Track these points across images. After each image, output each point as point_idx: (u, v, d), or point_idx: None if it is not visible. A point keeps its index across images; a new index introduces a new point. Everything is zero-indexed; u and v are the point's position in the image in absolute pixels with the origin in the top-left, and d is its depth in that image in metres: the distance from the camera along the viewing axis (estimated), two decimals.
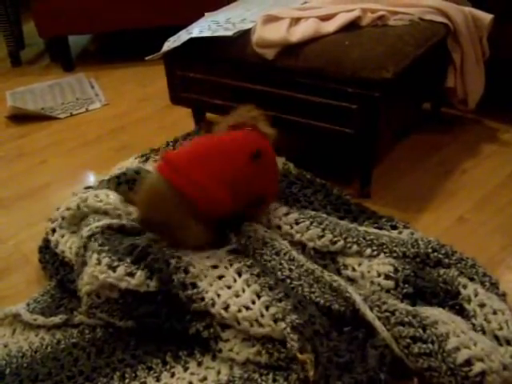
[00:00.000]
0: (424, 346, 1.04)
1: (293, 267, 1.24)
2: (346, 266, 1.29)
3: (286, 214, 1.41)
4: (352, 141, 1.55)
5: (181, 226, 1.26)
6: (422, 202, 1.62)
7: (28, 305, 1.33)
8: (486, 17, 1.75)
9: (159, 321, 1.19)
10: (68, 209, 1.46)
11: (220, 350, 1.15)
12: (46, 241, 1.47)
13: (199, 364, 1.15)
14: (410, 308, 1.12)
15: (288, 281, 1.21)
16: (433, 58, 1.70)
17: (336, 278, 1.20)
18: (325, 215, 1.42)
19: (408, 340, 1.06)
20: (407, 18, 1.61)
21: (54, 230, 1.45)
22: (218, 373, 1.13)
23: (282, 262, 1.25)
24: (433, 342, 1.04)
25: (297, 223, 1.38)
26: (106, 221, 1.36)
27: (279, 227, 1.39)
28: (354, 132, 1.52)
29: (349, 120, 1.51)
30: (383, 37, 1.52)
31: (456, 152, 1.86)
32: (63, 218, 1.45)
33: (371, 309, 1.11)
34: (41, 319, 1.28)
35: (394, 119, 1.67)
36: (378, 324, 1.09)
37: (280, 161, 1.76)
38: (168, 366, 1.15)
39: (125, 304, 1.22)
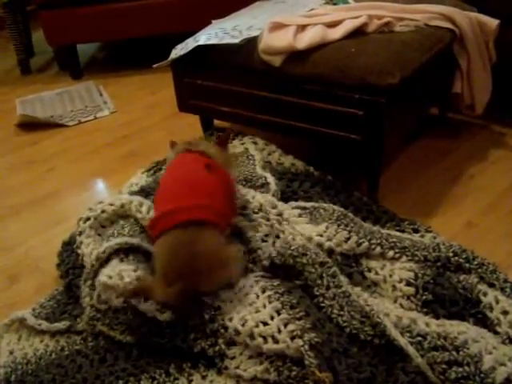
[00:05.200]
0: (460, 369, 1.01)
1: (331, 285, 1.20)
2: (369, 269, 1.30)
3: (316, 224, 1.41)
4: (359, 146, 1.55)
5: (228, 257, 1.21)
6: (430, 206, 1.62)
7: (34, 310, 1.34)
8: (492, 22, 1.75)
9: (162, 341, 1.18)
10: (103, 211, 1.47)
11: (226, 368, 1.14)
12: (71, 238, 1.49)
13: (203, 377, 1.15)
14: (439, 329, 1.09)
15: (321, 299, 1.19)
16: (439, 63, 1.70)
17: (370, 302, 1.17)
18: (351, 215, 1.42)
19: (444, 365, 1.03)
20: (413, 24, 1.62)
21: (81, 233, 1.46)
22: None
23: (324, 275, 1.22)
24: (468, 364, 1.01)
25: (326, 228, 1.37)
26: (123, 239, 1.36)
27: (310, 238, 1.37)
28: (361, 138, 1.52)
29: (355, 126, 1.52)
30: (389, 43, 1.52)
31: (463, 157, 1.86)
32: (96, 218, 1.46)
33: (402, 334, 1.09)
34: (45, 324, 1.29)
35: (400, 125, 1.68)
36: (411, 350, 1.06)
37: (288, 159, 1.77)
38: (172, 378, 1.15)
39: (127, 319, 1.22)
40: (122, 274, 1.24)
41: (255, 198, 1.44)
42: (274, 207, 1.42)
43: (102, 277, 1.25)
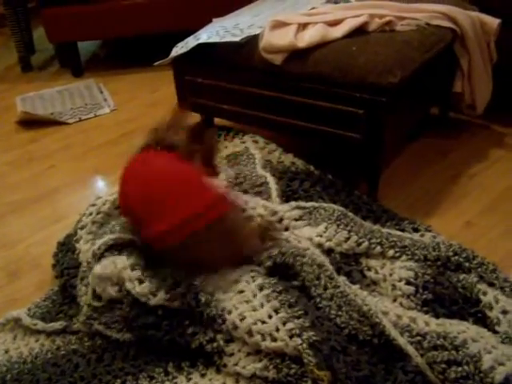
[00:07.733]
0: (460, 369, 1.01)
1: (329, 285, 1.19)
2: (369, 268, 1.30)
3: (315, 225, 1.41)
4: (359, 146, 1.55)
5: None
6: (430, 206, 1.62)
7: (29, 309, 1.34)
8: (494, 21, 1.75)
9: (159, 334, 1.18)
10: (98, 213, 1.48)
11: (225, 365, 1.13)
12: (66, 238, 1.50)
13: (202, 376, 1.14)
14: (439, 328, 1.09)
15: (318, 299, 1.17)
16: (440, 63, 1.70)
17: (368, 302, 1.16)
18: (351, 214, 1.42)
19: (443, 365, 1.03)
20: (414, 24, 1.62)
21: (83, 227, 1.47)
22: None
23: (321, 276, 1.21)
24: (468, 364, 1.01)
25: (326, 229, 1.37)
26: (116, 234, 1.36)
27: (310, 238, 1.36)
28: (361, 137, 1.52)
29: (356, 125, 1.52)
30: (390, 42, 1.53)
31: (464, 157, 1.86)
32: (98, 213, 1.48)
33: (402, 334, 1.09)
34: (40, 324, 1.28)
35: (401, 124, 1.68)
36: (410, 349, 1.06)
37: (288, 158, 1.77)
38: (170, 377, 1.15)
39: (123, 313, 1.21)
40: (115, 261, 1.24)
41: (256, 210, 1.42)
42: (274, 214, 1.42)
43: (96, 268, 1.25)
